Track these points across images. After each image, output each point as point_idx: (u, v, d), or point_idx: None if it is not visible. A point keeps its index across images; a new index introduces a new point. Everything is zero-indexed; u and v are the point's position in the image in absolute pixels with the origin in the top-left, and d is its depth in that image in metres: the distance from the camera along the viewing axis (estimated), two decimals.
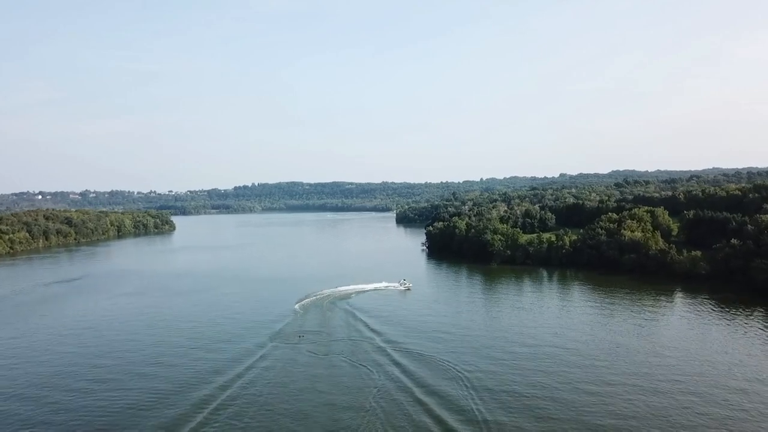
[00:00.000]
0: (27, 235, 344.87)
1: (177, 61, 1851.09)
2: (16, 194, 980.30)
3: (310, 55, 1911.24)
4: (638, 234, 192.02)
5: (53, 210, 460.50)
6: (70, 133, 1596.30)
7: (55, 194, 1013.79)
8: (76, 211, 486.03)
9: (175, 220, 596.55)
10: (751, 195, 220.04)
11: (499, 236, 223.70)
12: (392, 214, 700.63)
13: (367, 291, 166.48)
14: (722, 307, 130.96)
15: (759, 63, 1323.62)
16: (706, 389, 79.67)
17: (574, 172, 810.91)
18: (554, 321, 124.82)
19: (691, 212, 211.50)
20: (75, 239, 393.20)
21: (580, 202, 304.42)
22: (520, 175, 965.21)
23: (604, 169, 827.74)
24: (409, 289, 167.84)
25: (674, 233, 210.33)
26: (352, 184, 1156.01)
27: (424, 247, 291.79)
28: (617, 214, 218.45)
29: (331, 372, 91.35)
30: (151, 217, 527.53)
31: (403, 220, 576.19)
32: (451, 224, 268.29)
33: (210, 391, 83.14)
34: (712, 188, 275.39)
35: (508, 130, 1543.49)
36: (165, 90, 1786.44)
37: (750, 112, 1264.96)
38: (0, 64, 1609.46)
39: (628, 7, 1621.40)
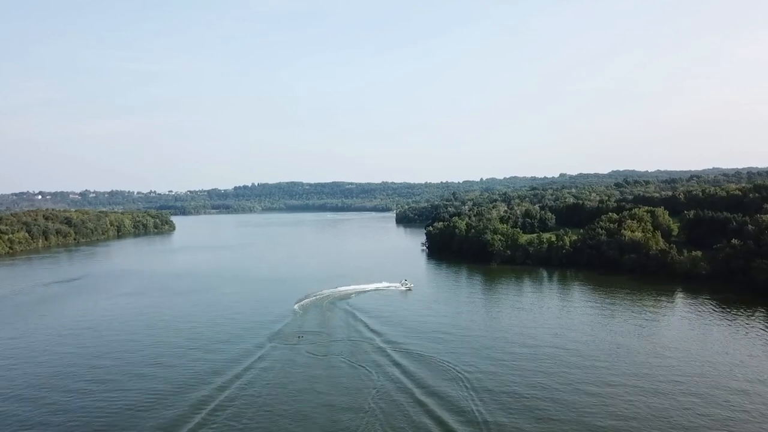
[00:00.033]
0: (26, 235, 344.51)
1: (177, 61, 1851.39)
2: (16, 194, 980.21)
3: (310, 55, 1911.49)
4: (638, 234, 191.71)
5: (53, 210, 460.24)
6: (70, 133, 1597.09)
7: (55, 194, 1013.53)
8: (75, 211, 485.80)
9: (175, 220, 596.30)
10: (751, 195, 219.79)
11: (499, 236, 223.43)
12: (392, 214, 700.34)
13: (368, 291, 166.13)
14: (723, 308, 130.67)
15: (759, 63, 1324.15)
16: (707, 390, 79.33)
17: (574, 172, 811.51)
18: (554, 321, 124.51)
19: (692, 212, 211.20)
20: (74, 239, 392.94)
21: (580, 202, 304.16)
22: (520, 175, 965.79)
23: (604, 169, 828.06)
24: (410, 290, 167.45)
25: (674, 233, 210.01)
26: (352, 184, 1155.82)
27: (424, 247, 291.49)
28: (617, 214, 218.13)
29: (331, 373, 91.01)
30: (150, 217, 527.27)
31: (403, 220, 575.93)
32: (451, 224, 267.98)
33: (208, 392, 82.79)
34: (713, 188, 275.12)
35: (508, 130, 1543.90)
36: (165, 90, 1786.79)
37: (750, 112, 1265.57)
38: (0, 64, 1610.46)
39: (628, 7, 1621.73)
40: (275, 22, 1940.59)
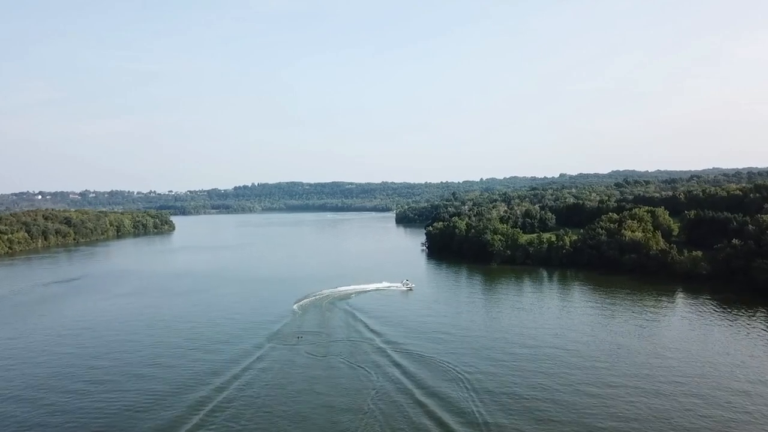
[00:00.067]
0: (26, 235, 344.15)
1: (177, 61, 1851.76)
2: (15, 194, 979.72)
3: (310, 55, 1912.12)
4: (639, 234, 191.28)
5: (52, 210, 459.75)
6: (70, 133, 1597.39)
7: (54, 194, 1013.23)
8: (75, 211, 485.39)
9: (175, 220, 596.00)
10: (752, 195, 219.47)
11: (499, 236, 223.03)
12: (392, 214, 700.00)
13: (368, 291, 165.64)
14: (724, 308, 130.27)
15: (759, 63, 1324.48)
16: (708, 391, 78.91)
17: (574, 172, 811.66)
18: (554, 322, 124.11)
19: (692, 212, 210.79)
20: (74, 239, 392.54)
21: (580, 202, 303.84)
22: (520, 175, 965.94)
23: (604, 169, 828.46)
24: (411, 290, 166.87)
25: (675, 233, 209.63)
26: (352, 184, 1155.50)
27: (424, 247, 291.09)
28: (617, 214, 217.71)
29: (330, 373, 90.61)
30: (150, 217, 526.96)
31: (403, 220, 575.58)
32: (451, 224, 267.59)
33: (207, 392, 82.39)
34: (713, 188, 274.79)
35: (508, 130, 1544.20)
36: (165, 90, 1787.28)
37: (750, 112, 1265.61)
38: (0, 64, 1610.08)
39: (628, 7, 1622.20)
40: (275, 22, 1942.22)
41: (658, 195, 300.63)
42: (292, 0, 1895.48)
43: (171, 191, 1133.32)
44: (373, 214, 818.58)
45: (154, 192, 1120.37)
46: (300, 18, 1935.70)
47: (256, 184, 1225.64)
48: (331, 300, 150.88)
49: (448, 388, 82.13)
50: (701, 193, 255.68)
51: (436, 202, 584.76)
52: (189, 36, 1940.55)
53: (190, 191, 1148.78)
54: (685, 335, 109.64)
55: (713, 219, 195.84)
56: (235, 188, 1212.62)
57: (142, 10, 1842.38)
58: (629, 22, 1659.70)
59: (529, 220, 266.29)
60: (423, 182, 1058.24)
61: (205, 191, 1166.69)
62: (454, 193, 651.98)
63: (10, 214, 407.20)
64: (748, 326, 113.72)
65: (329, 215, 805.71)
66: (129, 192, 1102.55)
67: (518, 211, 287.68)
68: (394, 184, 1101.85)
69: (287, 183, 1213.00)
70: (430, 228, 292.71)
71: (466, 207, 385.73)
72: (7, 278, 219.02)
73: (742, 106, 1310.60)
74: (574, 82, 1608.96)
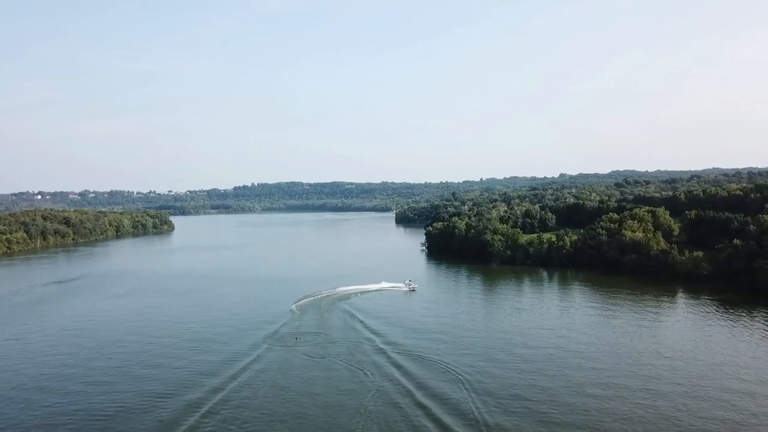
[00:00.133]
0: (24, 235, 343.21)
1: (177, 61, 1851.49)
2: (15, 194, 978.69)
3: (310, 55, 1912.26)
4: (639, 234, 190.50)
5: (51, 210, 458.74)
6: (70, 133, 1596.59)
7: (54, 194, 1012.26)
8: (74, 211, 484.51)
9: (175, 220, 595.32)
10: (752, 195, 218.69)
11: (499, 236, 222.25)
12: (392, 214, 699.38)
13: (370, 291, 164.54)
14: (725, 309, 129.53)
15: (759, 63, 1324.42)
16: (713, 392, 78.12)
17: (574, 172, 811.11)
18: (555, 322, 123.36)
19: (693, 212, 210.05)
20: (73, 239, 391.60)
21: (581, 202, 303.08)
22: (520, 175, 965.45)
23: (604, 169, 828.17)
24: (414, 290, 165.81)
25: (675, 233, 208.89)
26: (351, 184, 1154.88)
27: (424, 248, 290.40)
28: (618, 214, 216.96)
29: (328, 374, 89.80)
30: (149, 217, 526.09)
31: (403, 220, 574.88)
32: (451, 224, 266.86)
33: (203, 394, 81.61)
34: (713, 188, 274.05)
35: (508, 130, 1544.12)
36: (165, 90, 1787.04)
37: (750, 112, 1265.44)
38: (0, 64, 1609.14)
39: (628, 7, 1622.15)
40: (275, 22, 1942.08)
41: (658, 195, 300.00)
42: (292, 0, 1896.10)
43: (171, 191, 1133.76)
44: (373, 214, 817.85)
45: (154, 192, 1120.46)
46: (300, 18, 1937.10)
47: (255, 184, 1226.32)
48: (330, 300, 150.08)
49: (448, 389, 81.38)
50: (702, 193, 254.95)
51: (436, 202, 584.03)
52: (189, 36, 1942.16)
53: (189, 191, 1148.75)
54: (687, 336, 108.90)
55: (714, 219, 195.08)
56: (235, 188, 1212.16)
57: (142, 10, 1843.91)
58: (629, 22, 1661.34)
59: (529, 220, 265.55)
60: (423, 182, 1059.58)
61: (204, 191, 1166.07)
62: (454, 193, 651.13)
63: (9, 214, 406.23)
64: (750, 327, 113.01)
65: (328, 215, 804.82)
66: (129, 192, 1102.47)
67: (518, 211, 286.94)
68: (394, 184, 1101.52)
69: (287, 183, 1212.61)
70: (430, 228, 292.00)
71: (466, 207, 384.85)
72: (5, 278, 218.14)
73: (742, 106, 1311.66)
74: (574, 82, 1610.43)
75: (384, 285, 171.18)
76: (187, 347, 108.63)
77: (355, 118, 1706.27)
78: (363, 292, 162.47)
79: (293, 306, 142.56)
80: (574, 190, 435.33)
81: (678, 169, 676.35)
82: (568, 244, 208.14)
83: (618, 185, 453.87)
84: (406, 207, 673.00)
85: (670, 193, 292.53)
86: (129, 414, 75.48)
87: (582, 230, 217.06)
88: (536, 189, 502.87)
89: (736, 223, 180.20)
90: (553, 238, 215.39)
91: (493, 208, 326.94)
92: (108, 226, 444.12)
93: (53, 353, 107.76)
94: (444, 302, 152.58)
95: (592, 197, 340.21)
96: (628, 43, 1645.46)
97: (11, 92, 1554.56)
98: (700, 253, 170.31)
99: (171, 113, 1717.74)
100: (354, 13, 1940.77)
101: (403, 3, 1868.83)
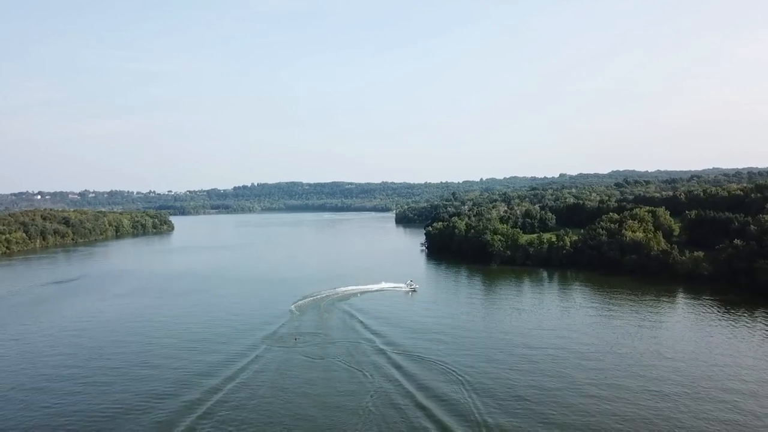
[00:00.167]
0: (24, 235, 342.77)
1: (177, 61, 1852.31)
2: (15, 194, 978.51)
3: (310, 55, 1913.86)
4: (640, 234, 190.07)
5: (51, 210, 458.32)
6: (70, 133, 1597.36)
7: (54, 194, 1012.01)
8: (73, 211, 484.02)
9: (174, 220, 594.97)
10: (753, 195, 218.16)
11: (499, 236, 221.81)
12: (392, 214, 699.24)
13: (371, 292, 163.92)
14: (726, 309, 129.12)
15: (759, 63, 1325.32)
16: (715, 393, 77.72)
17: (574, 172, 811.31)
18: (555, 323, 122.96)
19: (693, 212, 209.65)
20: (72, 239, 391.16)
21: (581, 202, 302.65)
22: (520, 175, 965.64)
23: (604, 169, 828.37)
24: (415, 291, 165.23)
25: (676, 233, 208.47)
26: (351, 184, 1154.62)
27: (424, 248, 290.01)
28: (618, 215, 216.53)
29: (327, 375, 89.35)
30: (149, 217, 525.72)
31: (403, 220, 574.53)
32: (451, 224, 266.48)
33: (202, 395, 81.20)
34: (714, 188, 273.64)
35: (508, 130, 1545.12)
36: (165, 90, 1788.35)
37: (750, 112, 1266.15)
38: (0, 64, 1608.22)
39: (628, 7, 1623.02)
40: (275, 22, 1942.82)
41: (658, 195, 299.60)
42: (292, 0, 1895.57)
43: (170, 191, 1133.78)
44: (373, 214, 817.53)
45: (154, 192, 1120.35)
46: (300, 18, 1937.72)
47: (255, 184, 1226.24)
48: (330, 301, 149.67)
49: (448, 390, 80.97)
50: (702, 193, 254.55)
51: (436, 202, 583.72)
52: (189, 36, 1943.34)
53: (189, 191, 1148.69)
54: (688, 336, 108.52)
55: (714, 219, 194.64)
56: (235, 188, 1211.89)
57: (142, 10, 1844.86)
58: (629, 22, 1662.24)
59: (529, 220, 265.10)
60: (423, 182, 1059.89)
61: (204, 191, 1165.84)
62: (453, 193, 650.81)
63: (9, 214, 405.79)
64: (751, 327, 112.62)
65: (327, 215, 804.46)
66: (128, 192, 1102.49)
67: (518, 211, 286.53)
68: (394, 184, 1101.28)
69: (287, 183, 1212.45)
70: (430, 228, 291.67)
71: (466, 207, 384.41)
72: (5, 279, 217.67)
73: (742, 106, 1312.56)
74: (574, 82, 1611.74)
75: (384, 285, 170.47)
76: (187, 348, 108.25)
77: (355, 118, 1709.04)
78: (363, 293, 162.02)
79: (292, 306, 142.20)
80: (574, 190, 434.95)
81: (678, 169, 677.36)
82: (568, 244, 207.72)
83: (618, 185, 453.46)
84: (406, 207, 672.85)
85: (671, 193, 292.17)
86: (128, 415, 75.10)
87: (582, 230, 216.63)
88: (536, 189, 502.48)
89: (736, 224, 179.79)
90: (553, 239, 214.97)
91: (493, 208, 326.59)
92: (107, 226, 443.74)
93: (52, 354, 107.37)
94: (444, 302, 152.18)
95: (592, 197, 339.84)
96: (628, 43, 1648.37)
97: (11, 92, 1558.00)
98: (701, 254, 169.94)
99: (171, 113, 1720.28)
100: (354, 13, 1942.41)
101: (403, 3, 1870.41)
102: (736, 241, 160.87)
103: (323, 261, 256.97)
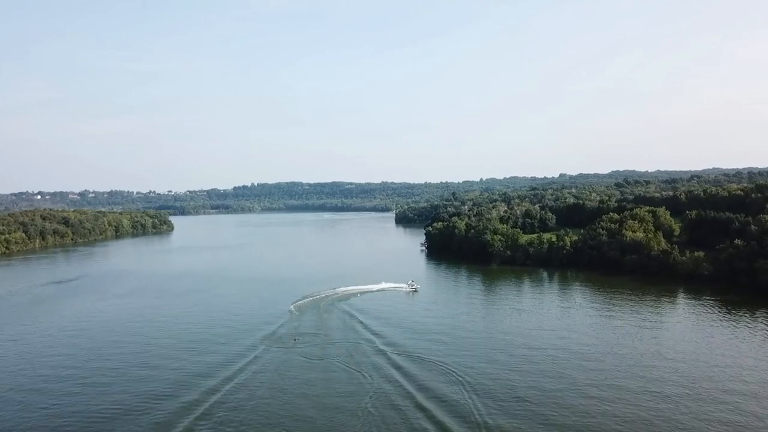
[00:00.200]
0: (23, 235, 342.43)
1: (177, 61, 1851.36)
2: (15, 194, 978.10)
3: (310, 55, 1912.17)
4: (640, 234, 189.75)
5: (50, 210, 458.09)
6: (70, 133, 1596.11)
7: (54, 194, 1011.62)
8: (73, 211, 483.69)
9: (174, 220, 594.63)
10: (753, 195, 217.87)
11: (499, 236, 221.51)
12: (392, 214, 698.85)
13: (372, 292, 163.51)
14: (727, 309, 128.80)
15: (759, 63, 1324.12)
16: (716, 394, 77.40)
17: (574, 172, 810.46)
18: (556, 323, 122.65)
19: (694, 212, 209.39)
20: (72, 239, 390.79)
21: (581, 202, 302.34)
22: (520, 175, 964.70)
23: (604, 169, 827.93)
24: (416, 291, 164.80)
25: (676, 233, 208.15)
26: (351, 184, 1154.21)
27: (424, 248, 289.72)
28: (618, 215, 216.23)
29: (326, 376, 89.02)
30: (149, 217, 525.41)
31: (403, 220, 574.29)
32: (451, 224, 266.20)
33: (201, 395, 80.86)
34: (714, 188, 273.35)
35: (508, 130, 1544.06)
36: (165, 90, 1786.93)
37: (750, 112, 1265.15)
38: (0, 64, 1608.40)
39: (628, 7, 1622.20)
40: (275, 22, 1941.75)
41: (658, 195, 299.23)
42: (292, 0, 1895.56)
43: (170, 191, 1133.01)
44: (373, 214, 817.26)
45: (154, 192, 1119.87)
46: (300, 18, 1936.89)
47: (255, 184, 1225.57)
48: (330, 301, 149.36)
49: (448, 390, 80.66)
50: (702, 193, 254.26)
51: (436, 202, 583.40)
52: (189, 36, 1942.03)
53: (189, 191, 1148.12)
54: (688, 337, 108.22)
55: (715, 219, 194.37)
56: (235, 188, 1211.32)
57: (142, 10, 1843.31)
58: (629, 22, 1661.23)
59: (529, 220, 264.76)
60: (423, 182, 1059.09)
61: (204, 191, 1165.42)
62: (453, 193, 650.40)
63: (8, 215, 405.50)
64: (752, 328, 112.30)
65: (327, 215, 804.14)
66: (128, 192, 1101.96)
67: (518, 211, 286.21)
68: (394, 184, 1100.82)
69: (287, 183, 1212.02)
70: (430, 228, 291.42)
71: (466, 207, 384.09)
72: (4, 279, 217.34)
73: (742, 106, 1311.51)
74: (574, 82, 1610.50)
75: (384, 285, 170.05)
76: (186, 348, 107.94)
77: (355, 118, 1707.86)
78: (363, 293, 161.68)
79: (292, 306, 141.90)
80: (574, 190, 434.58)
81: (678, 169, 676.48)
82: (569, 244, 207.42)
83: (618, 185, 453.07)
84: (405, 207, 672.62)
85: (671, 193, 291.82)
86: (126, 416, 74.78)
87: (582, 230, 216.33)
88: (536, 189, 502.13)
89: (737, 223, 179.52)
90: (553, 239, 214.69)
91: (493, 208, 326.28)
92: (107, 226, 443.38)
93: (51, 354, 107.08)
94: (444, 303, 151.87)
95: (592, 197, 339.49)
96: (628, 43, 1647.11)
97: (11, 92, 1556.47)
98: (701, 254, 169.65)
99: (171, 113, 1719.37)
100: (354, 13, 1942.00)
101: (403, 3, 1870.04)
102: (737, 241, 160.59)
103: (323, 261, 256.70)
